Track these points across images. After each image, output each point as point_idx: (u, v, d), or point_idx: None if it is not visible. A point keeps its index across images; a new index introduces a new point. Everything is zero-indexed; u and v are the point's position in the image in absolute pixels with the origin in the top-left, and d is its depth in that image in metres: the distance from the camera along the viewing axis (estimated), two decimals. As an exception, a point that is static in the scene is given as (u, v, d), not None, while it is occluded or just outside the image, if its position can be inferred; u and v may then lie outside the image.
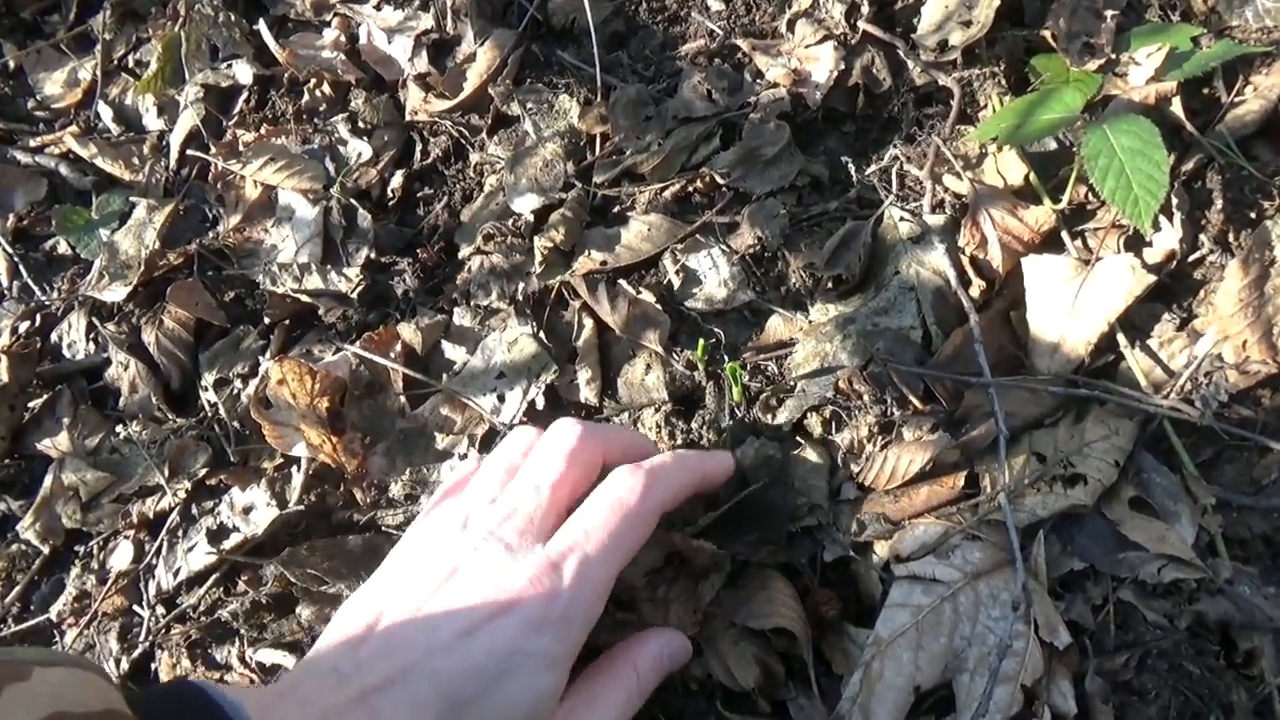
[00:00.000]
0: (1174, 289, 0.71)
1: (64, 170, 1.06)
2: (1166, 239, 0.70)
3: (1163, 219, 0.71)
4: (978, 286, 0.73)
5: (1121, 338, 0.70)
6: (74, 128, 1.09)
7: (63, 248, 1.03)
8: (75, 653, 0.78)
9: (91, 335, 0.96)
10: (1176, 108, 0.73)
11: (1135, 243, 0.71)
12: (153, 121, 1.08)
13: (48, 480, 0.87)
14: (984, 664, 0.60)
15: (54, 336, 0.98)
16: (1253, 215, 0.71)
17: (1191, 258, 0.71)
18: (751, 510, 0.67)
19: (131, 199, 1.02)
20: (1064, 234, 0.74)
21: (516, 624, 0.53)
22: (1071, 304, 0.70)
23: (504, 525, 0.58)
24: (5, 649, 0.79)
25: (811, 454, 0.70)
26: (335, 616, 0.60)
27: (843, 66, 0.85)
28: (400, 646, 0.54)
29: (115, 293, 0.94)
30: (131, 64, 1.12)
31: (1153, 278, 0.69)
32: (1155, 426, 0.67)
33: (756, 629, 0.64)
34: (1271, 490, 0.64)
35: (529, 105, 0.93)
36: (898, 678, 0.60)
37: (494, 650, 0.53)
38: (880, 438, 0.69)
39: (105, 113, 1.09)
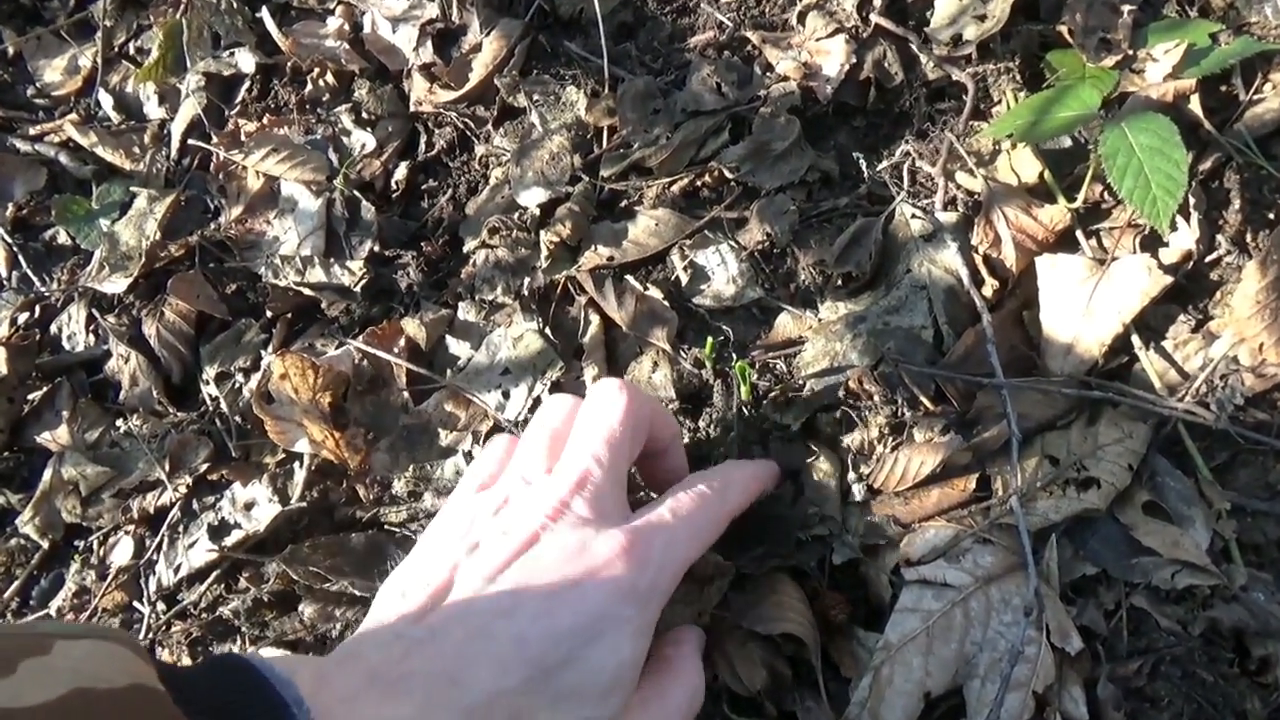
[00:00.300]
0: (1190, 290, 0.70)
1: (64, 159, 1.05)
2: (1183, 239, 0.69)
3: (1179, 219, 0.70)
4: (990, 286, 0.72)
5: (1136, 339, 0.69)
6: (74, 116, 1.08)
7: (62, 238, 1.02)
8: (107, 626, 0.76)
9: (91, 327, 0.95)
10: (1194, 105, 0.72)
11: (1151, 243, 0.70)
12: (154, 110, 1.07)
13: (47, 474, 0.86)
14: (995, 670, 0.59)
15: (53, 328, 0.97)
16: (1271, 216, 0.69)
17: (1208, 258, 0.70)
18: (758, 520, 0.66)
19: (132, 189, 1.00)
20: (1079, 233, 0.73)
21: (606, 590, 0.52)
22: (1086, 304, 0.69)
23: (576, 496, 0.56)
24: (28, 622, 0.78)
25: (823, 463, 0.69)
26: (381, 593, 0.58)
27: (854, 60, 0.84)
28: (478, 611, 0.52)
29: (116, 284, 0.93)
30: (132, 51, 1.11)
31: (1169, 278, 0.68)
32: (1169, 430, 0.67)
33: (764, 634, 0.63)
34: (1287, 496, 0.64)
35: (535, 97, 0.92)
36: (907, 683, 0.59)
37: (583, 614, 0.51)
38: (891, 439, 0.68)
39: (106, 101, 1.08)
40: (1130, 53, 0.77)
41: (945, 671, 0.60)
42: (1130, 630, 0.61)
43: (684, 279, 0.80)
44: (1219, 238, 0.70)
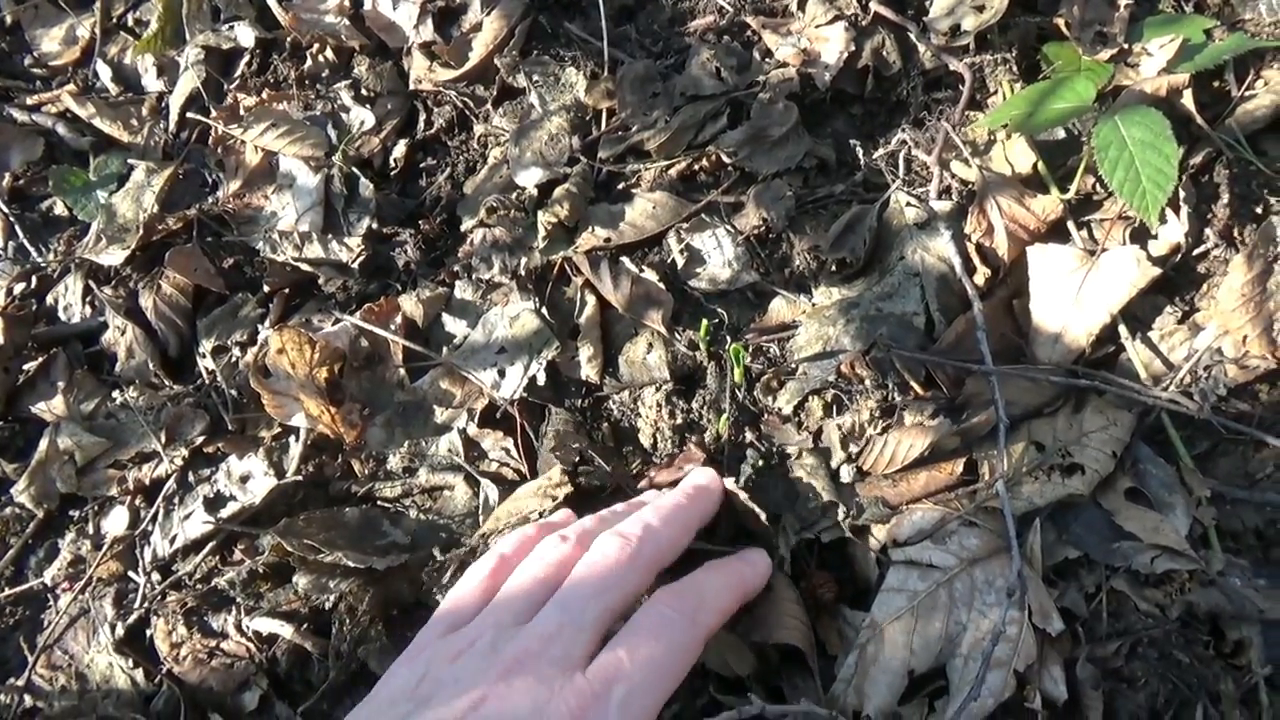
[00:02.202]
0: (1177, 282, 0.71)
1: (61, 130, 1.05)
2: (1172, 232, 0.71)
3: (1169, 212, 0.71)
4: (982, 274, 0.73)
5: (1123, 329, 0.70)
6: (72, 86, 1.08)
7: (59, 209, 1.02)
8: None
9: (88, 299, 0.95)
10: (1187, 100, 0.73)
11: (1141, 235, 0.72)
12: (152, 82, 1.07)
13: (43, 444, 0.86)
14: (978, 649, 0.60)
15: (50, 299, 0.97)
16: (1259, 211, 0.71)
17: (1196, 251, 0.71)
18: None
19: (130, 161, 1.01)
20: (1070, 224, 0.74)
21: None
22: (1075, 294, 0.70)
23: (541, 654, 0.52)
24: None
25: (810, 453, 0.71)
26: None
27: (853, 48, 0.84)
28: None
29: (113, 256, 0.94)
30: (131, 22, 1.11)
31: (1157, 270, 0.69)
32: (1153, 418, 0.68)
33: (759, 640, 0.63)
34: (1266, 484, 0.65)
35: (535, 77, 0.92)
36: (892, 661, 0.61)
37: None
38: (881, 422, 0.70)
39: (104, 72, 1.08)
40: (1125, 47, 0.77)
41: (929, 650, 0.61)
42: (1110, 612, 0.63)
43: (680, 262, 0.81)
44: (1207, 231, 0.71)
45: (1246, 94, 0.75)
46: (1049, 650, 0.61)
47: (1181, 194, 0.70)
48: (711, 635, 0.57)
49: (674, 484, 0.71)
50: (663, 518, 0.61)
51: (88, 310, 0.95)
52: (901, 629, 0.62)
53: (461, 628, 0.57)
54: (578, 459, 0.75)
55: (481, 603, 0.59)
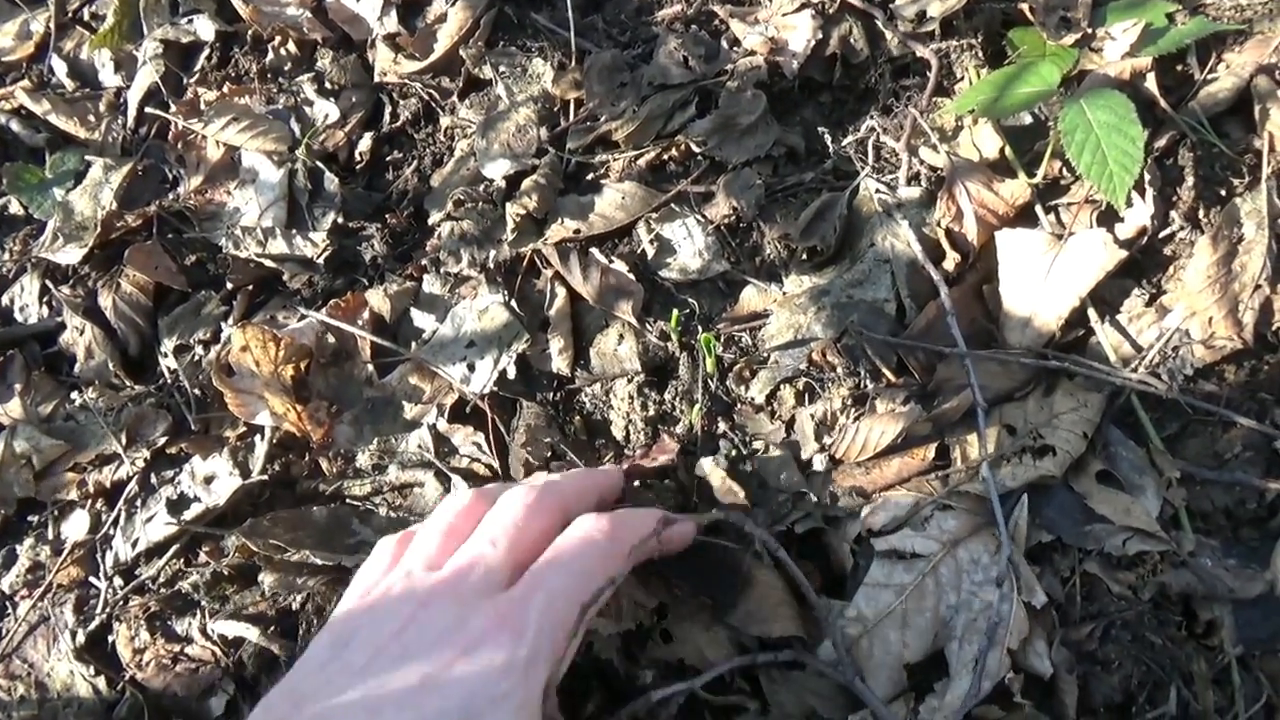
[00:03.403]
0: (1144, 265, 0.72)
1: (15, 126, 1.03)
2: (1138, 215, 0.71)
3: (1135, 195, 0.71)
4: (952, 259, 0.73)
5: (1092, 312, 0.70)
6: (26, 82, 1.05)
7: (15, 207, 1.00)
8: None
9: (45, 299, 0.93)
10: (1151, 84, 0.73)
11: (1108, 218, 0.72)
12: (109, 77, 1.04)
13: (-1, 447, 0.84)
14: (972, 629, 0.60)
15: (4, 299, 0.95)
16: (1223, 193, 0.71)
17: (1162, 234, 0.71)
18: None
19: (87, 158, 0.98)
20: (1038, 208, 0.74)
21: (478, 668, 0.48)
22: (1044, 278, 0.70)
23: (458, 584, 0.52)
24: None
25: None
26: (261, 703, 0.52)
27: (820, 36, 0.84)
28: (343, 707, 0.47)
29: (70, 255, 0.92)
30: (87, 16, 1.09)
31: (1124, 253, 0.69)
32: (1123, 400, 0.68)
33: (757, 634, 0.62)
34: (1234, 464, 0.65)
35: (501, 68, 0.91)
36: (887, 657, 0.60)
37: (453, 698, 0.47)
38: (853, 410, 0.69)
39: (59, 67, 1.06)
40: (1089, 31, 0.78)
41: (923, 640, 0.61)
42: (1083, 595, 0.63)
43: (650, 252, 0.80)
44: (1173, 214, 0.72)
45: (1208, 77, 0.75)
46: (1034, 624, 0.60)
47: (1147, 177, 0.71)
48: (634, 552, 0.57)
49: (650, 474, 0.70)
50: (568, 474, 0.63)
51: (45, 310, 0.93)
52: (893, 624, 0.61)
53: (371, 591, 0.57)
54: (549, 454, 0.74)
55: (390, 565, 0.59)
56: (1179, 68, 0.77)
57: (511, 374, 0.77)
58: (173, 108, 0.97)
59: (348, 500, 0.77)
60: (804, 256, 0.78)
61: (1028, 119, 0.78)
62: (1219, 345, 0.67)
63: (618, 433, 0.75)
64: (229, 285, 0.88)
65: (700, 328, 0.77)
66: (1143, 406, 0.67)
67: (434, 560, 0.56)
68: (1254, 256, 0.67)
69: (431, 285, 0.84)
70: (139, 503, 0.80)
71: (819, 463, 0.69)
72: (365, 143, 0.93)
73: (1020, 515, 0.64)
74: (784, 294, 0.77)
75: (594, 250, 0.81)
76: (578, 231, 0.81)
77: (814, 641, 0.62)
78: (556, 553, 0.54)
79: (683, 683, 0.59)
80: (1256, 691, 0.59)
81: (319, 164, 0.91)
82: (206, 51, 1.01)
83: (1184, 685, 0.59)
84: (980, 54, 0.81)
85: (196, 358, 0.86)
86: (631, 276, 0.79)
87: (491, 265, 0.82)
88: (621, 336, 0.78)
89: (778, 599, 0.63)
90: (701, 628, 0.64)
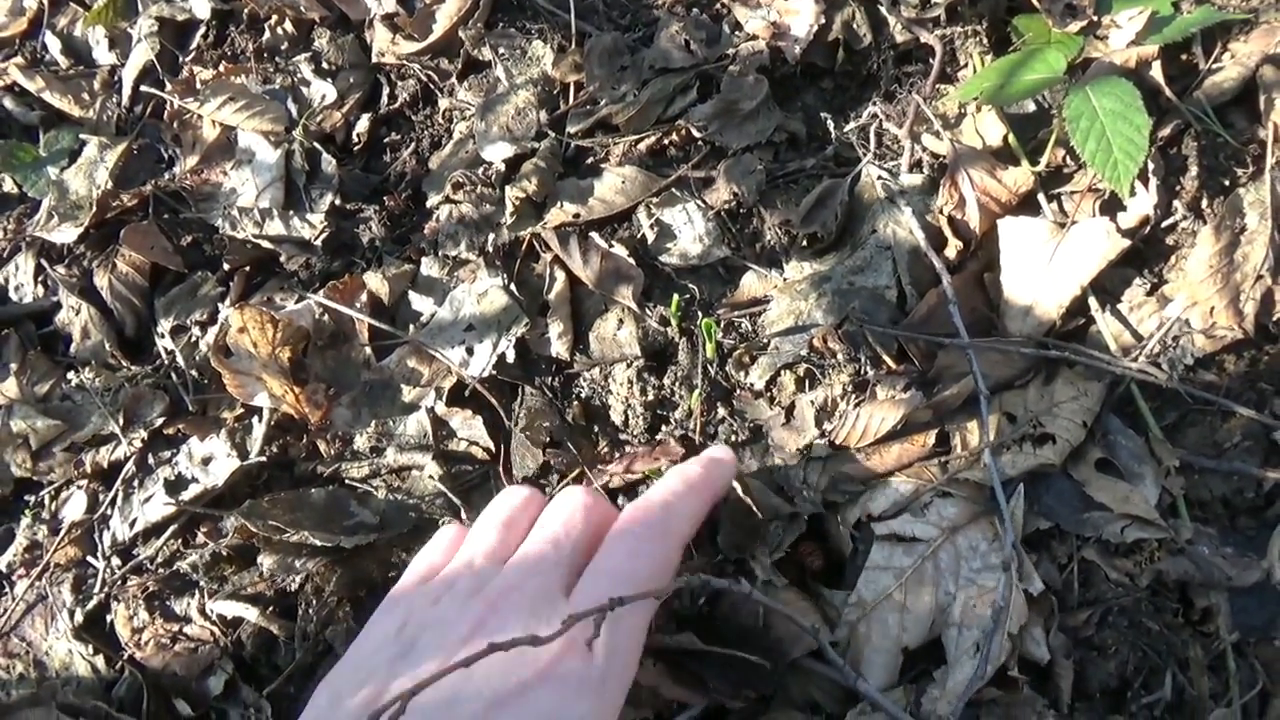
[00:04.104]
0: (1146, 254, 0.72)
1: (9, 104, 1.02)
2: (1141, 204, 0.71)
3: (1138, 184, 0.71)
4: (954, 247, 0.73)
5: (1093, 301, 0.70)
6: (19, 59, 1.04)
7: (8, 185, 0.99)
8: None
9: (40, 278, 0.92)
10: (1156, 72, 0.73)
11: (1111, 207, 0.72)
12: (104, 55, 1.03)
13: (-5, 427, 0.84)
14: (970, 616, 0.60)
15: (0, 279, 0.94)
16: (1226, 183, 0.71)
17: (1165, 223, 0.71)
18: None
19: (82, 136, 0.97)
20: (1041, 196, 0.74)
21: (553, 692, 0.47)
22: (1046, 266, 0.70)
23: (522, 587, 0.52)
24: None
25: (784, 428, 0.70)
26: (315, 697, 0.52)
27: (823, 21, 0.84)
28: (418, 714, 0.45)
29: (65, 234, 0.91)
30: (80, -7, 1.07)
31: (1126, 242, 0.69)
32: (1123, 389, 0.68)
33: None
34: (1232, 453, 0.65)
35: (501, 50, 0.90)
36: (885, 641, 0.61)
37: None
38: (854, 396, 0.69)
39: (53, 44, 1.04)
40: (1095, 19, 0.77)
41: (921, 625, 0.61)
42: (1081, 582, 0.63)
43: (650, 237, 0.80)
44: (1176, 203, 0.71)
45: (1214, 66, 0.75)
46: (1031, 611, 0.61)
47: (1150, 166, 0.71)
48: (687, 540, 0.57)
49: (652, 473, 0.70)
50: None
51: (40, 290, 0.92)
52: (892, 608, 0.61)
53: (433, 579, 0.57)
54: (548, 438, 0.74)
55: (451, 554, 0.59)
56: (1184, 57, 0.76)
57: (510, 358, 0.77)
58: (168, 86, 0.96)
59: (346, 482, 0.77)
60: (805, 243, 0.78)
61: (1031, 107, 0.77)
62: (1219, 335, 0.67)
63: (616, 418, 0.75)
64: (226, 266, 0.88)
65: (700, 313, 0.77)
66: (1142, 395, 0.68)
67: (496, 552, 0.56)
68: (1256, 247, 0.67)
69: (430, 268, 0.83)
70: (136, 483, 0.80)
71: (819, 449, 0.69)
72: (363, 124, 0.92)
73: (1019, 502, 0.64)
74: (785, 280, 0.77)
75: (594, 234, 0.80)
76: (577, 216, 0.81)
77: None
78: (615, 564, 0.54)
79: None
80: (1251, 678, 0.59)
81: (316, 145, 0.90)
82: (202, 30, 1.00)
83: (1179, 671, 0.60)
84: (985, 41, 0.80)
85: (193, 338, 0.86)
86: (631, 261, 0.78)
87: (490, 249, 0.82)
88: (621, 321, 0.78)
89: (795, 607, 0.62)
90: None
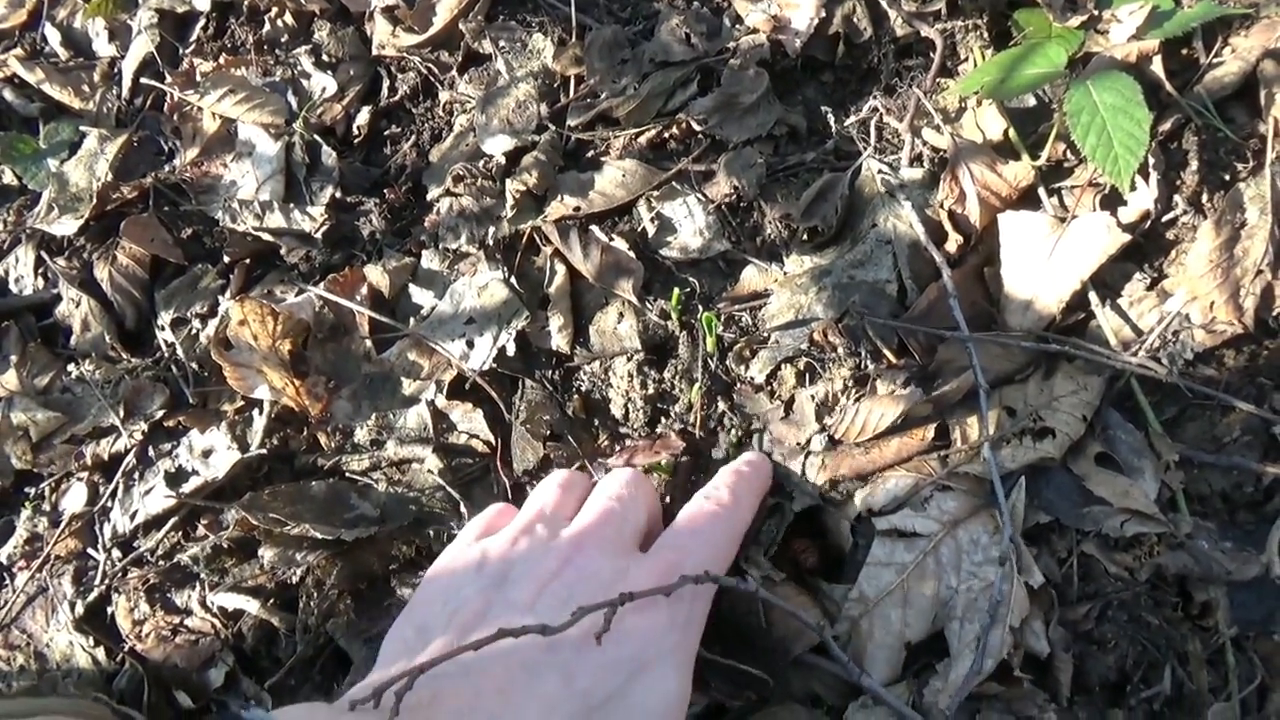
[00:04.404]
0: (1146, 249, 0.72)
1: (8, 95, 1.02)
2: (1142, 198, 0.71)
3: (1139, 178, 0.71)
4: (955, 241, 0.73)
5: (1093, 295, 0.70)
6: (19, 50, 1.04)
7: (8, 177, 0.99)
8: (74, 697, 0.70)
9: (40, 270, 0.92)
10: (1157, 67, 0.73)
11: (1111, 201, 0.72)
12: (103, 47, 1.03)
13: (-5, 419, 0.84)
14: (972, 609, 0.61)
15: None
16: (1226, 177, 0.71)
17: (1165, 218, 0.71)
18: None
19: (82, 128, 0.97)
20: (1041, 191, 0.74)
21: (647, 623, 0.50)
22: (1046, 261, 0.70)
23: (598, 533, 0.55)
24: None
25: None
26: (390, 638, 0.53)
27: (823, 14, 0.83)
28: (517, 645, 0.47)
29: (65, 226, 0.91)
30: (80, -15, 1.07)
31: (1127, 237, 0.69)
32: (1122, 384, 0.68)
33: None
34: (1232, 448, 0.66)
35: (501, 43, 0.90)
36: (888, 636, 0.61)
37: (627, 645, 0.49)
38: (854, 390, 0.69)
39: (52, 36, 1.04)
40: (1095, 13, 0.77)
41: (923, 620, 0.61)
42: (1080, 576, 0.63)
43: (650, 230, 0.80)
44: (1176, 198, 0.71)
45: (1214, 61, 0.75)
46: (1031, 605, 0.61)
47: (1151, 160, 0.71)
48: (747, 528, 0.61)
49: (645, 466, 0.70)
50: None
51: (40, 282, 0.92)
52: (894, 603, 0.62)
53: (498, 531, 0.59)
54: (548, 432, 0.74)
55: (509, 518, 0.62)
56: (1185, 51, 0.76)
57: (511, 351, 0.77)
58: (168, 79, 0.96)
59: (346, 475, 0.77)
60: (805, 237, 0.78)
61: (1031, 101, 0.77)
62: (1219, 330, 0.67)
63: (617, 411, 0.75)
64: (226, 259, 0.88)
65: (700, 307, 0.77)
66: (1142, 390, 0.68)
67: (562, 507, 0.60)
68: (1256, 242, 0.67)
69: (430, 261, 0.83)
70: (137, 475, 0.80)
71: (818, 443, 0.69)
72: (363, 117, 0.92)
73: (1019, 496, 0.64)
74: (785, 274, 0.77)
75: (594, 228, 0.80)
76: (578, 209, 0.81)
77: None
78: (694, 522, 0.58)
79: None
80: (1250, 672, 0.59)
81: (316, 137, 0.90)
82: (202, 22, 1.00)
83: (1179, 665, 0.60)
84: (985, 35, 0.80)
85: (194, 331, 0.86)
86: (632, 254, 0.78)
87: (491, 242, 0.82)
88: (621, 315, 0.78)
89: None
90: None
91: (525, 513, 0.61)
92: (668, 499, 0.68)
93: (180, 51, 0.99)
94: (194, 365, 0.84)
